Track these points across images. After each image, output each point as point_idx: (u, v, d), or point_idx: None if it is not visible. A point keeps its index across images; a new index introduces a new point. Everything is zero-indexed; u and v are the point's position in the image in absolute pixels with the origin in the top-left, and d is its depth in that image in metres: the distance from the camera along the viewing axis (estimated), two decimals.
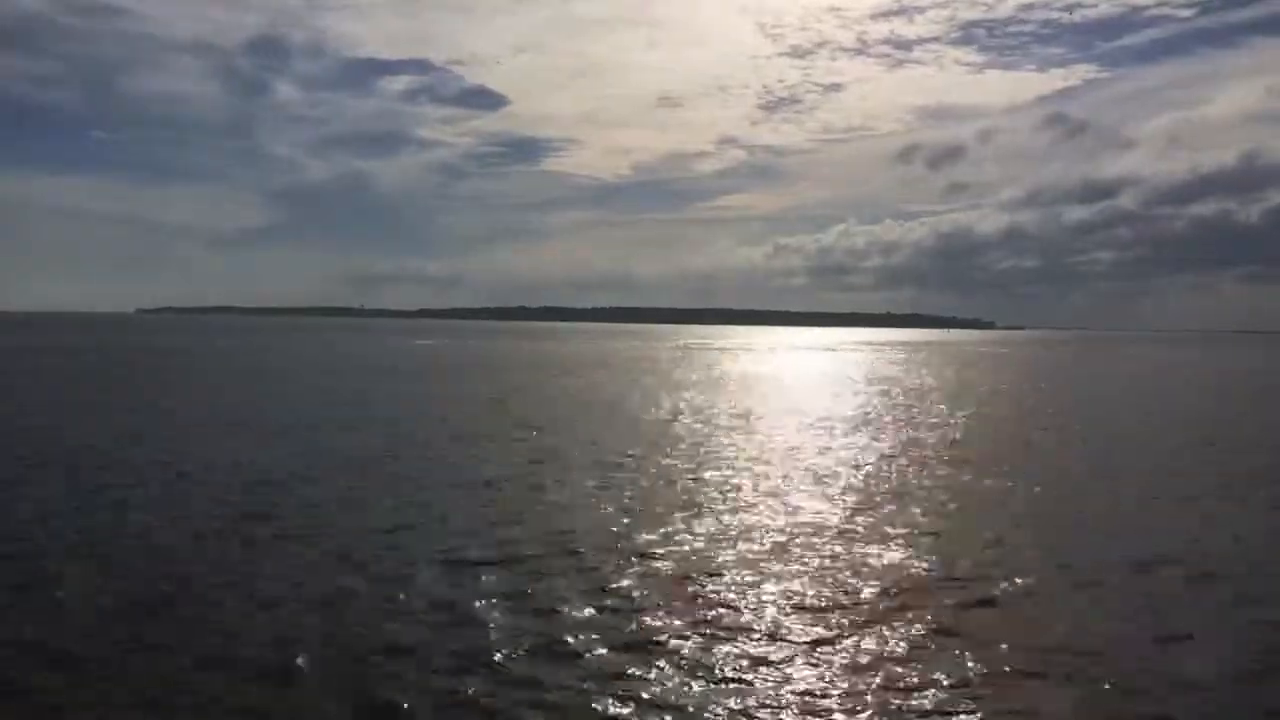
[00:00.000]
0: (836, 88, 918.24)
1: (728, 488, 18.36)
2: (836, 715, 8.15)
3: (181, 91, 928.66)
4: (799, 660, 9.29)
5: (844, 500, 17.30)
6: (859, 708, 8.26)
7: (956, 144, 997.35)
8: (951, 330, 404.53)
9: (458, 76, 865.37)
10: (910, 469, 21.20)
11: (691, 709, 8.18)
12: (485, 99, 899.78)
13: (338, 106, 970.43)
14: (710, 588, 11.61)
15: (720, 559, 12.95)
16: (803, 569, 12.50)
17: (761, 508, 16.47)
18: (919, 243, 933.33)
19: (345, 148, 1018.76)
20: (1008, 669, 9.10)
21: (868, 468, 21.30)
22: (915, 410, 36.55)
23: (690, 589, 11.54)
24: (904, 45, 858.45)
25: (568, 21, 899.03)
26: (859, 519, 15.64)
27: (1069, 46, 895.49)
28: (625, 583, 11.74)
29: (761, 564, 12.71)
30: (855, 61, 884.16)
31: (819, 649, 9.59)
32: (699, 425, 29.39)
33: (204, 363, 66.86)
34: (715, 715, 8.10)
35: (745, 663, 9.19)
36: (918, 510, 16.49)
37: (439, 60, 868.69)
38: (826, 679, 8.85)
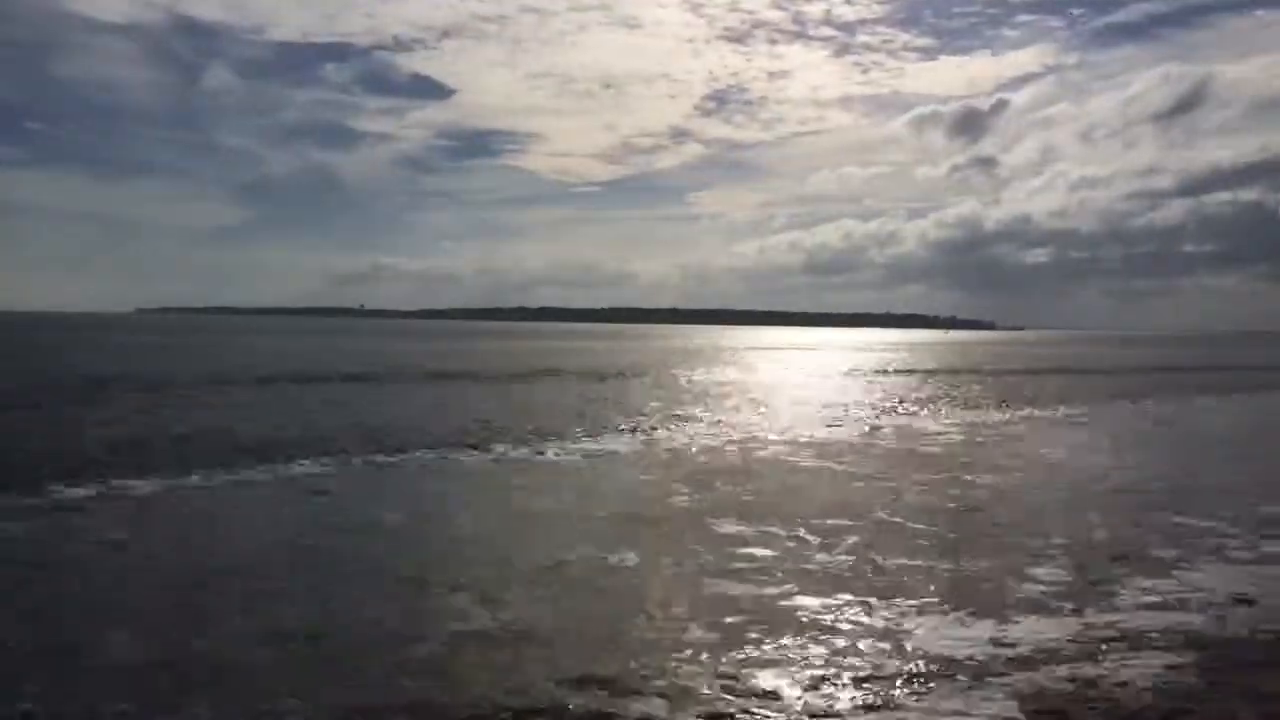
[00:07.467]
0: (783, 74, 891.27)
1: None
2: None
3: (116, 77, 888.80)
4: None
5: None
6: None
7: (938, 134, 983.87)
8: (951, 331, 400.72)
9: (389, 64, 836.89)
10: None
11: None
12: (424, 87, 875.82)
13: (277, 96, 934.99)
14: None
15: None
16: None
17: None
18: (918, 240, 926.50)
19: (300, 140, 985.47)
20: None
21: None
22: None
23: None
24: (846, 28, 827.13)
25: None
26: None
27: (1023, 30, 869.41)
28: None
29: None
30: (796, 46, 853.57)
31: None
32: None
33: (412, 361, 64.21)
34: None
35: None
36: None
37: (364, 43, 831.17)
38: None
